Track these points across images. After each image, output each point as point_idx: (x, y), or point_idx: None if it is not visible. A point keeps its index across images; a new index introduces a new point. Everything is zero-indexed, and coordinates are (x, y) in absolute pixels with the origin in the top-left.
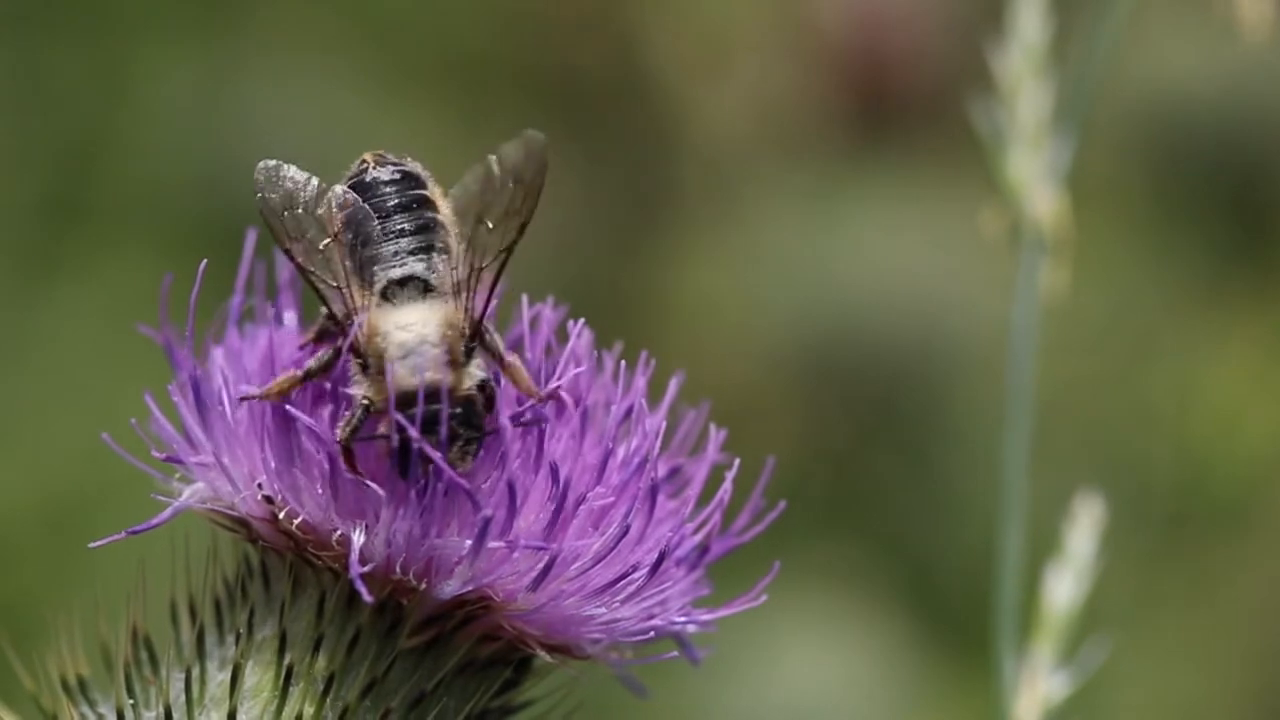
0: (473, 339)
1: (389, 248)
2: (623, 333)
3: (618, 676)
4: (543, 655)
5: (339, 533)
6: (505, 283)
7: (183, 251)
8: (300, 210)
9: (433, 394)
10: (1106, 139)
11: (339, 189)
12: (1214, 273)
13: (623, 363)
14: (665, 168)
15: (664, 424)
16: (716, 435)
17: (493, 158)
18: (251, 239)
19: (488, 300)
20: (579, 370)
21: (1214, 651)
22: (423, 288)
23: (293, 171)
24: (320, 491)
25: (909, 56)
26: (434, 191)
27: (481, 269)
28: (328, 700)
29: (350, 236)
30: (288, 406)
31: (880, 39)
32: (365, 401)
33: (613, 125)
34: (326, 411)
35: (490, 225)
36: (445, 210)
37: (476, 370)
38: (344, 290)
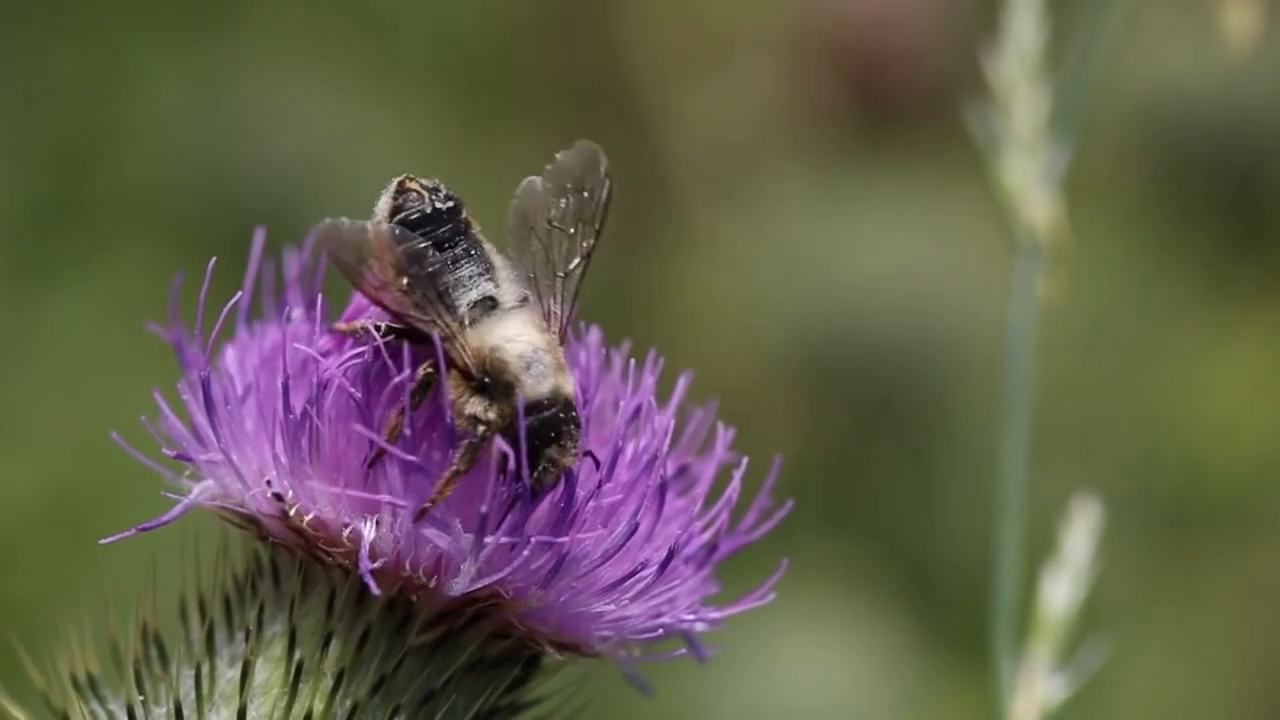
0: (563, 342)
1: (461, 273)
2: (623, 331)
3: (625, 674)
4: (552, 653)
5: (350, 528)
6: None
7: (182, 250)
8: (371, 260)
9: (552, 400)
10: (1107, 141)
11: (385, 226)
12: (1215, 273)
13: (630, 361)
14: (665, 167)
15: (672, 423)
16: (725, 434)
17: (550, 168)
18: (260, 237)
19: (572, 306)
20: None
21: (1214, 652)
22: (492, 305)
23: (349, 225)
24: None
25: (909, 56)
26: (467, 211)
27: (563, 276)
28: (337, 697)
29: (416, 269)
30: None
31: (879, 39)
32: (492, 419)
33: (613, 125)
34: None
35: (566, 233)
36: (478, 228)
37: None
38: (437, 321)
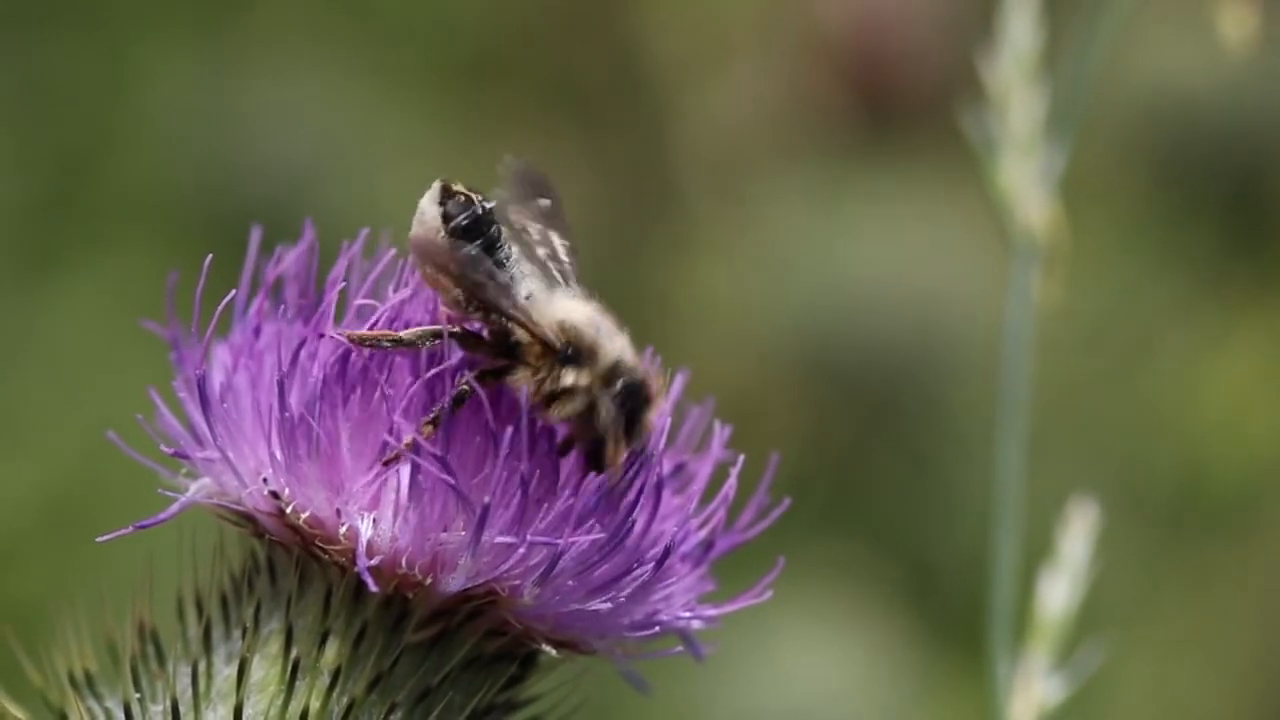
0: None
1: (514, 271)
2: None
3: (622, 672)
4: (548, 650)
5: (347, 526)
6: None
7: (183, 248)
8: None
9: (627, 363)
10: (1107, 141)
11: (444, 237)
12: (1214, 273)
13: None
14: (665, 167)
15: (669, 420)
16: (721, 432)
17: (503, 183)
18: (257, 235)
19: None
20: None
21: (1214, 651)
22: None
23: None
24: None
25: (909, 56)
26: None
27: (569, 263)
28: (334, 694)
29: (477, 270)
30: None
31: (880, 39)
32: (587, 384)
33: (614, 125)
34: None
35: (550, 231)
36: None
37: None
38: (513, 311)
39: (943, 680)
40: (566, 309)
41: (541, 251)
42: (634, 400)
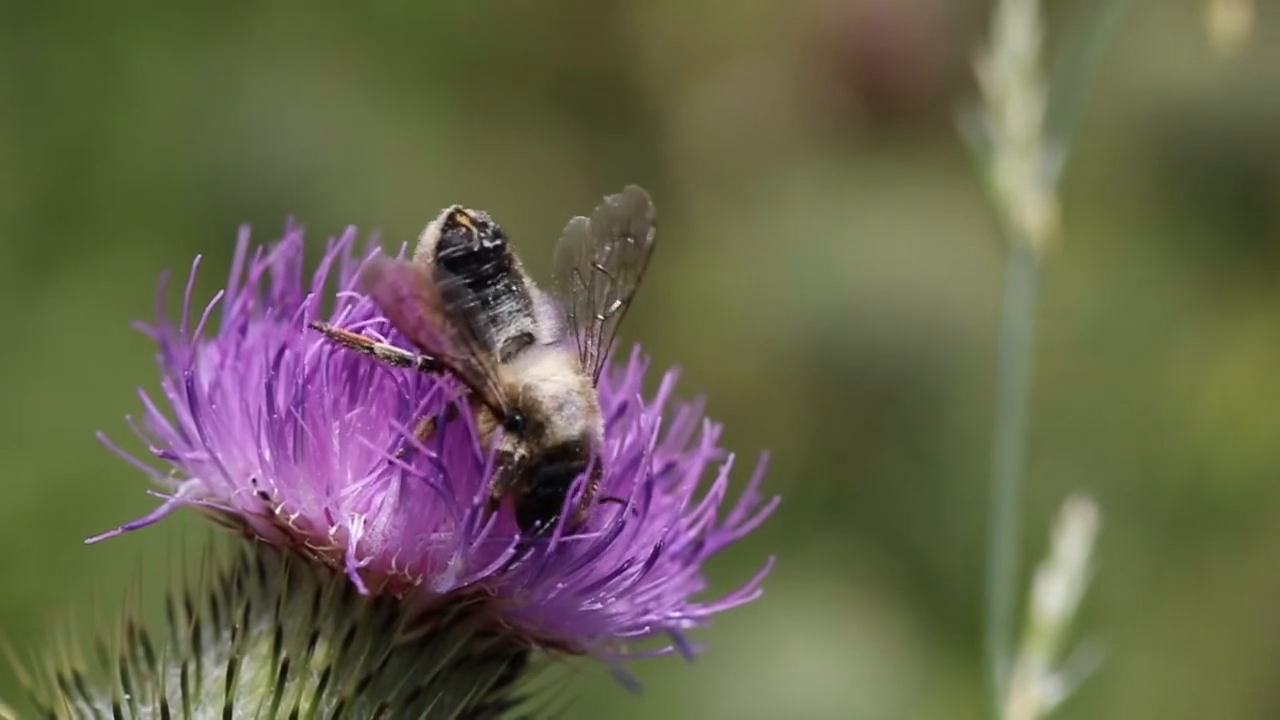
0: (595, 383)
1: (501, 309)
2: (624, 331)
3: (612, 672)
4: (538, 650)
5: (336, 527)
6: None
7: (182, 249)
8: (409, 296)
9: (581, 447)
10: (1109, 143)
11: (425, 263)
12: (1217, 273)
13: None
14: (667, 167)
15: (659, 419)
16: (711, 430)
17: (598, 209)
18: (245, 236)
19: (608, 348)
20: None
21: (1215, 652)
22: (528, 341)
23: (391, 264)
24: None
25: (911, 56)
26: (510, 246)
27: (603, 318)
28: (324, 695)
29: (452, 305)
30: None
31: (880, 39)
32: (521, 456)
33: (614, 125)
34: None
35: (609, 276)
36: (520, 263)
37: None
38: (471, 359)
39: (941, 680)
40: (543, 373)
41: (580, 298)
42: (552, 487)
